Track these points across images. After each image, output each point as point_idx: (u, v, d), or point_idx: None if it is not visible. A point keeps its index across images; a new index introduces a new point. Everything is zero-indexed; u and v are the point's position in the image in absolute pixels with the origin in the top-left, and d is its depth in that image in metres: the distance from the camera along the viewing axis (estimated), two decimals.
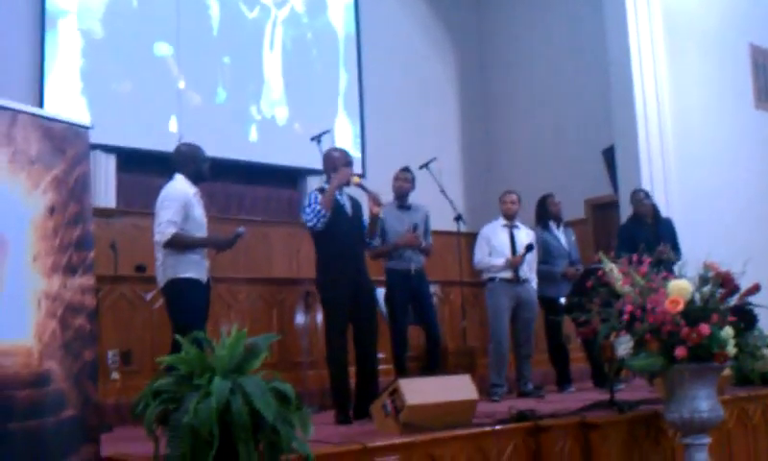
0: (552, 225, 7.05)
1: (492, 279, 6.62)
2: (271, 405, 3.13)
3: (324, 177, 5.65)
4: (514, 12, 11.65)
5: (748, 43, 10.15)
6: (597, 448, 4.42)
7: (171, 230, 4.82)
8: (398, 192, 6.37)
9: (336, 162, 5.38)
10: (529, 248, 6.59)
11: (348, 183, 5.35)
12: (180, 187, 5.00)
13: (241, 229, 5.15)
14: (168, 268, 4.90)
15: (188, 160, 5.09)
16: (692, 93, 9.12)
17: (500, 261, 6.56)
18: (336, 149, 5.65)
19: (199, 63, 9.34)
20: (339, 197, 5.33)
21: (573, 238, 7.19)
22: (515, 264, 6.54)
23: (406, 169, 6.54)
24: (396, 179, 6.41)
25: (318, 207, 5.17)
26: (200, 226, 5.02)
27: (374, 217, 5.39)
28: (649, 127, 8.95)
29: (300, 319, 6.67)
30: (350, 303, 5.21)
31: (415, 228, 6.16)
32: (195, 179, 5.07)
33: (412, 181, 6.44)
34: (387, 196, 5.59)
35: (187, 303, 4.85)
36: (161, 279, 4.95)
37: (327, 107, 10.39)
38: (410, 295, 6.14)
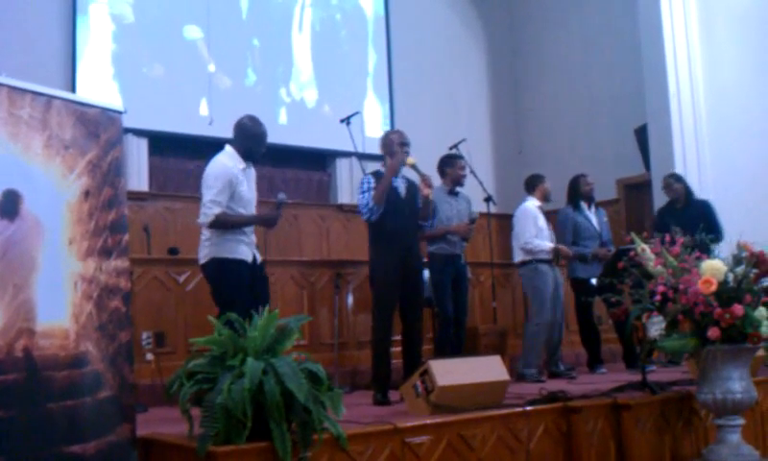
0: (584, 205, 6.99)
1: (535, 261, 6.61)
2: (303, 386, 3.17)
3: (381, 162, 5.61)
4: None
5: None
6: (629, 430, 4.40)
7: (215, 211, 4.71)
8: (458, 181, 6.46)
9: (392, 144, 5.36)
10: None
11: (402, 165, 5.33)
12: (225, 162, 4.84)
13: (281, 195, 5.09)
14: (212, 246, 4.78)
15: (245, 136, 4.93)
16: (727, 71, 8.96)
17: (549, 246, 6.61)
18: (393, 131, 5.57)
19: (228, 46, 9.38)
20: (393, 179, 5.31)
21: (605, 219, 7.13)
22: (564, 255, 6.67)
23: (461, 156, 6.66)
24: (459, 167, 6.48)
25: (371, 204, 5.18)
26: (246, 203, 4.88)
27: (426, 199, 5.38)
28: (682, 106, 8.83)
29: (330, 300, 6.72)
30: (399, 283, 5.22)
31: (472, 220, 6.31)
32: (244, 156, 4.91)
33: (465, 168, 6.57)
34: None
35: (228, 282, 4.75)
36: (203, 256, 4.85)
37: (357, 88, 10.38)
38: (452, 279, 6.24)
